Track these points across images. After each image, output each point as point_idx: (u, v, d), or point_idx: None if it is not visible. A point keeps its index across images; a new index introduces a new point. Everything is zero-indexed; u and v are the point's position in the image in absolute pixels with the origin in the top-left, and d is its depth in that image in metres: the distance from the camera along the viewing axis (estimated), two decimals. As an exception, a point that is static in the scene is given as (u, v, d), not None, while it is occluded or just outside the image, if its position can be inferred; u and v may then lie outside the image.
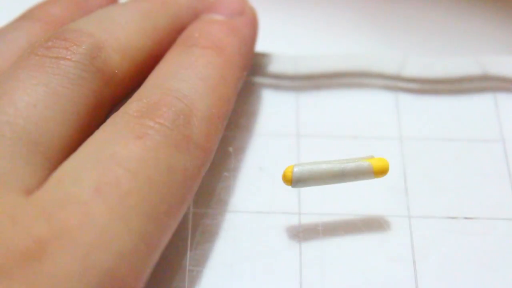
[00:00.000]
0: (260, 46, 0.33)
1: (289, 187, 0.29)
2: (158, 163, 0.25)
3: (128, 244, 0.23)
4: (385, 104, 0.33)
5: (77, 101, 0.26)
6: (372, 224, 0.30)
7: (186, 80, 0.27)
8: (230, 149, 0.31)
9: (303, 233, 0.29)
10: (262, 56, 0.34)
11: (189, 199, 0.26)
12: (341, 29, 0.38)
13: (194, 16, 0.31)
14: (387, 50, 0.37)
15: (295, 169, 0.28)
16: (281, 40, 0.36)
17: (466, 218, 0.30)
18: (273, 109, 0.33)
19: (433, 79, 0.34)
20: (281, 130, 0.32)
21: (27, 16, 0.31)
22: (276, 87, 0.34)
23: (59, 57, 0.27)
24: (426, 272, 0.28)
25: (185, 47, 0.29)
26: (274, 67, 0.34)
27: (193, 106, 0.27)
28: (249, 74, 0.34)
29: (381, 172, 0.29)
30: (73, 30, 0.28)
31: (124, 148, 0.25)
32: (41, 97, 0.25)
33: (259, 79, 0.34)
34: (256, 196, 0.30)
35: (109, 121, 0.26)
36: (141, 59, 0.29)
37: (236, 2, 0.31)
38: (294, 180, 0.28)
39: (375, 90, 0.34)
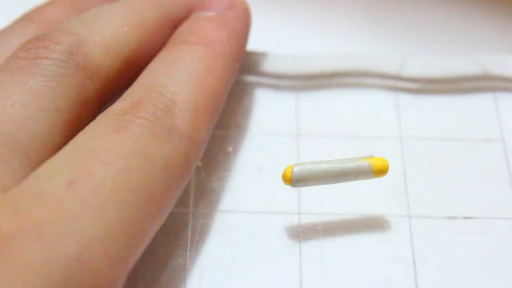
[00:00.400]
0: (261, 46, 0.33)
1: (289, 187, 0.29)
2: (135, 152, 0.25)
3: (101, 231, 0.23)
4: (385, 104, 0.33)
5: (56, 98, 0.26)
6: (372, 224, 0.30)
7: (171, 75, 0.27)
8: (230, 149, 0.31)
9: (303, 233, 0.29)
10: (262, 55, 0.34)
11: (175, 187, 0.26)
12: (341, 29, 0.38)
13: (186, 11, 0.31)
14: (387, 50, 0.37)
15: (295, 169, 0.28)
16: (281, 40, 0.36)
17: (466, 218, 0.30)
18: (273, 109, 0.33)
19: (433, 79, 0.34)
20: (281, 130, 0.32)
21: (24, 19, 0.31)
22: (276, 87, 0.34)
23: (38, 57, 0.27)
24: (426, 272, 0.28)
25: (173, 46, 0.29)
26: (274, 67, 0.34)
27: (176, 98, 0.27)
28: (249, 74, 0.34)
29: (381, 171, 0.29)
30: (55, 30, 0.28)
31: (101, 142, 0.25)
32: (17, 97, 0.26)
33: (259, 79, 0.34)
34: (255, 196, 0.30)
35: (94, 121, 0.26)
36: (128, 54, 0.29)
37: None
38: (294, 180, 0.28)
39: (375, 90, 0.34)
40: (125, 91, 0.28)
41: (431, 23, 0.38)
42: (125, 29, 0.29)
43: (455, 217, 0.30)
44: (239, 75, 0.33)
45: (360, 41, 0.37)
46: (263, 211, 0.30)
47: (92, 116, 0.27)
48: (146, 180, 0.25)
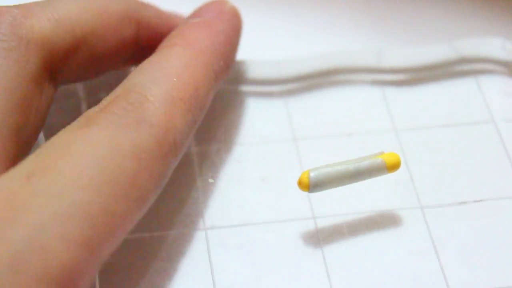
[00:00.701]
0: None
1: (298, 193, 0.28)
2: (99, 141, 0.25)
3: (56, 214, 0.23)
4: (372, 99, 0.33)
5: (2, 77, 0.26)
6: (387, 220, 0.30)
7: (146, 74, 0.27)
8: (237, 161, 0.31)
9: (323, 236, 0.29)
10: (243, 63, 0.33)
11: (147, 173, 0.26)
12: (317, 27, 0.38)
13: (159, 20, 0.31)
14: (363, 44, 0.37)
15: (312, 174, 0.28)
16: (258, 46, 0.35)
17: (476, 201, 0.30)
18: (264, 116, 0.33)
19: (413, 68, 0.34)
20: (277, 136, 0.32)
21: None
22: (263, 94, 0.33)
23: None
24: (449, 260, 0.28)
25: (156, 51, 0.29)
26: (257, 73, 0.33)
27: (148, 93, 0.27)
28: (234, 84, 0.33)
29: (394, 166, 0.29)
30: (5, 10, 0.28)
31: (65, 137, 0.25)
32: None
33: (244, 88, 0.33)
34: (269, 205, 0.30)
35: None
36: (81, 34, 0.28)
37: (215, 4, 0.31)
38: (312, 185, 0.28)
39: (360, 86, 0.34)
40: (79, 72, 0.28)
41: (404, 14, 0.38)
42: (81, 10, 0.28)
43: (465, 202, 0.30)
44: (227, 86, 0.33)
45: (336, 37, 0.37)
46: (277, 220, 0.29)
47: (47, 97, 0.27)
48: (109, 165, 0.24)
